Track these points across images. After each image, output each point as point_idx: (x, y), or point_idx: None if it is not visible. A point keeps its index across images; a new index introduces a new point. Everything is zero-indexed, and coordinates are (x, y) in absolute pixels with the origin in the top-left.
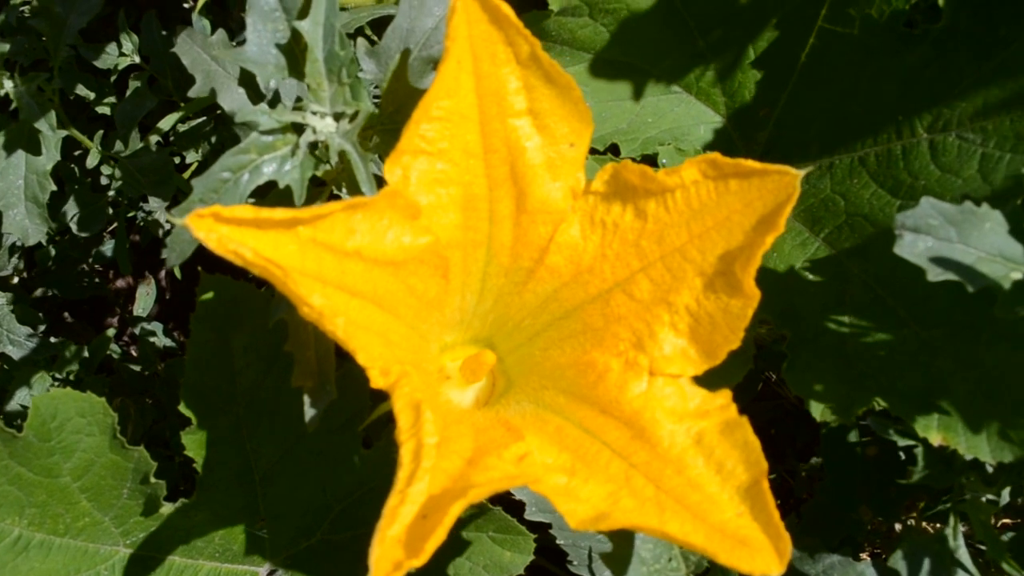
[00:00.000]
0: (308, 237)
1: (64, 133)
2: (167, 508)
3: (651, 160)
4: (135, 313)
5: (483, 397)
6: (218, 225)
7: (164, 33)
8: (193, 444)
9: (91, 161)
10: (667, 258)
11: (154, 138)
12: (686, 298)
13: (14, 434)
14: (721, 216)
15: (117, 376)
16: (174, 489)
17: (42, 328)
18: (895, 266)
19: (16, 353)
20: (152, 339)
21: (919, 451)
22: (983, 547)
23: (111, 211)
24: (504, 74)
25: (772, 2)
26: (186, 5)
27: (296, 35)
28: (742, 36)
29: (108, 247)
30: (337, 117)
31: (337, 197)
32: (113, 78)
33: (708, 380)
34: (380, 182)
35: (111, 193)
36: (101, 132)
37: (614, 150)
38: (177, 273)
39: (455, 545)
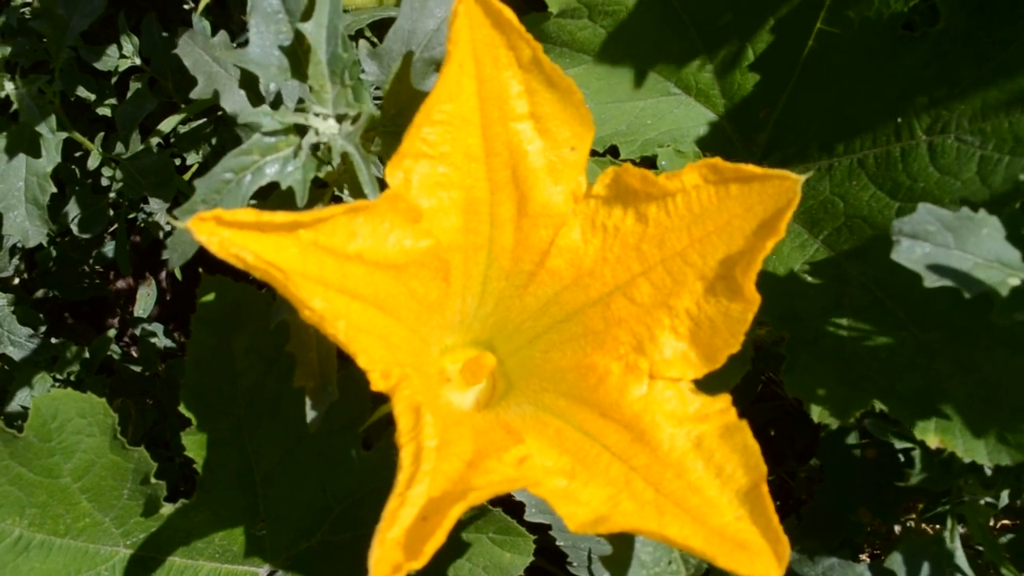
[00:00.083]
0: (310, 240)
1: (64, 135)
2: (167, 509)
3: (651, 161)
4: (136, 314)
5: (483, 399)
6: (220, 228)
7: (165, 35)
8: (193, 445)
9: (92, 163)
10: (668, 262)
11: (155, 140)
12: (687, 302)
13: (15, 434)
14: (722, 220)
15: (118, 377)
16: (174, 490)
17: (43, 329)
18: (894, 268)
19: (17, 354)
20: (153, 340)
21: (917, 454)
22: (982, 549)
23: (112, 212)
24: (506, 78)
25: (771, 4)
26: (186, 7)
27: (299, 37)
28: (741, 37)
29: (109, 248)
30: (340, 119)
31: (339, 199)
32: (114, 80)
33: (707, 382)
34: (382, 184)
35: (112, 195)
36: (102, 134)
37: (613, 152)
38: (178, 274)
39: (455, 546)
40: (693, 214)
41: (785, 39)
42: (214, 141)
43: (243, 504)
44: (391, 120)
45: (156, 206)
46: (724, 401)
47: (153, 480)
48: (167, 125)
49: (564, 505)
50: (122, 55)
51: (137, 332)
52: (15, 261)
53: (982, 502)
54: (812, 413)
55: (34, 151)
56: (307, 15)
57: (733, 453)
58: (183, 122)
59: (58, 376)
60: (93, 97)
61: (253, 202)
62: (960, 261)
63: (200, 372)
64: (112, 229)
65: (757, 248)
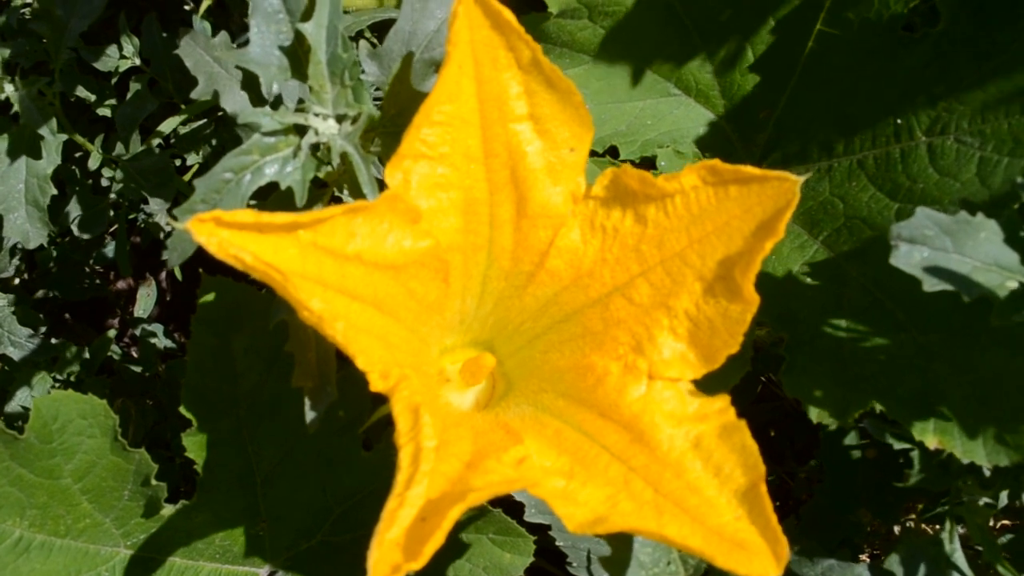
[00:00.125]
0: (309, 241)
1: (64, 137)
2: (168, 509)
3: (650, 162)
4: (136, 314)
5: (483, 400)
6: (219, 229)
7: (165, 35)
8: (194, 446)
9: (92, 164)
10: (667, 263)
11: (155, 141)
12: (685, 302)
13: (15, 436)
14: (721, 221)
15: (118, 377)
16: (175, 490)
17: (43, 329)
18: (893, 270)
19: (17, 354)
20: (153, 340)
21: (915, 454)
22: (981, 550)
23: (112, 213)
24: (505, 79)
25: (771, 5)
26: (187, 7)
27: (299, 37)
28: (741, 38)
29: (109, 249)
30: (339, 119)
31: (339, 199)
32: (114, 80)
33: (706, 382)
34: (382, 184)
35: (112, 195)
36: (102, 135)
37: (613, 152)
38: (178, 274)
39: (455, 547)
40: (692, 215)
41: (785, 40)
42: (214, 142)
43: (243, 505)
44: (391, 120)
45: (156, 207)
46: (723, 401)
47: (154, 481)
48: (168, 126)
49: (563, 505)
50: (122, 56)
51: (137, 332)
52: (15, 261)
53: (981, 503)
54: (811, 414)
55: (34, 153)
56: (307, 15)
57: (732, 453)
58: (184, 123)
59: (58, 376)
60: (93, 98)
61: (253, 202)
62: (958, 265)
63: (201, 373)
64: (112, 229)
65: (756, 249)
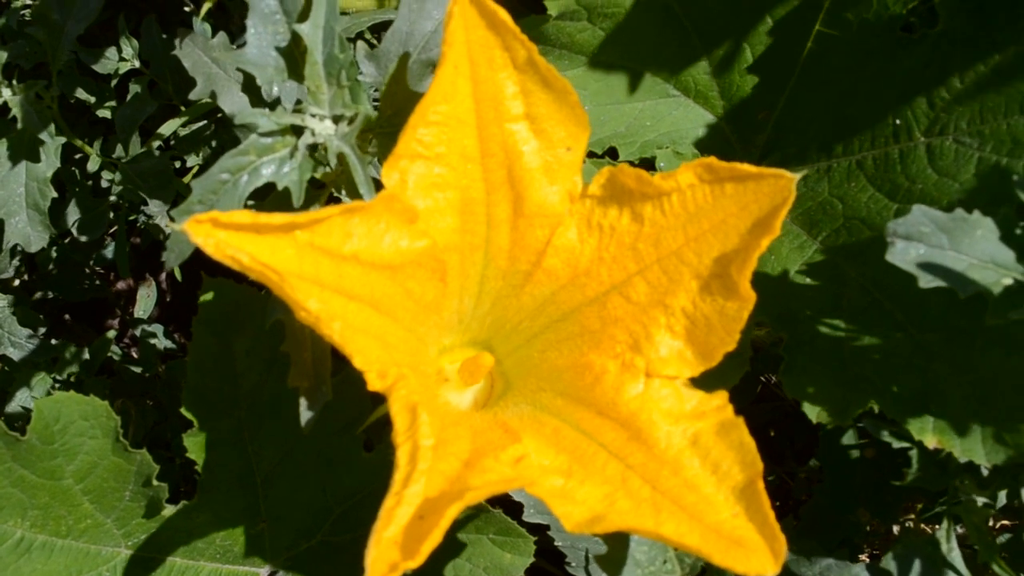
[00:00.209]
0: (305, 241)
1: (63, 140)
2: (169, 510)
3: (649, 163)
4: (136, 315)
5: (482, 399)
6: (216, 230)
7: (164, 37)
8: (195, 446)
9: (91, 166)
10: (663, 261)
11: (156, 143)
12: (682, 300)
13: (17, 437)
14: (717, 219)
15: (118, 378)
16: (175, 491)
17: (43, 330)
18: (892, 270)
19: (17, 355)
20: (153, 341)
21: (914, 453)
22: (978, 550)
23: (112, 215)
24: (501, 79)
25: (769, 5)
26: (186, 8)
27: (296, 38)
28: (739, 39)
29: (109, 250)
30: (336, 120)
31: (337, 199)
32: (114, 82)
33: (705, 382)
34: (379, 185)
35: (112, 197)
36: (102, 137)
37: (612, 153)
38: (178, 275)
39: (455, 547)
40: (688, 213)
41: (784, 41)
42: (215, 143)
43: (244, 505)
44: (388, 121)
45: (156, 208)
46: (720, 398)
47: (155, 482)
48: (168, 128)
49: (561, 504)
50: (122, 58)
51: (137, 333)
52: (15, 262)
53: (979, 502)
54: (810, 413)
55: (34, 157)
56: (304, 16)
57: (729, 450)
58: (184, 124)
59: (58, 377)
60: (93, 100)
61: (250, 203)
62: (954, 262)
63: (201, 373)
64: (113, 230)
65: (752, 246)
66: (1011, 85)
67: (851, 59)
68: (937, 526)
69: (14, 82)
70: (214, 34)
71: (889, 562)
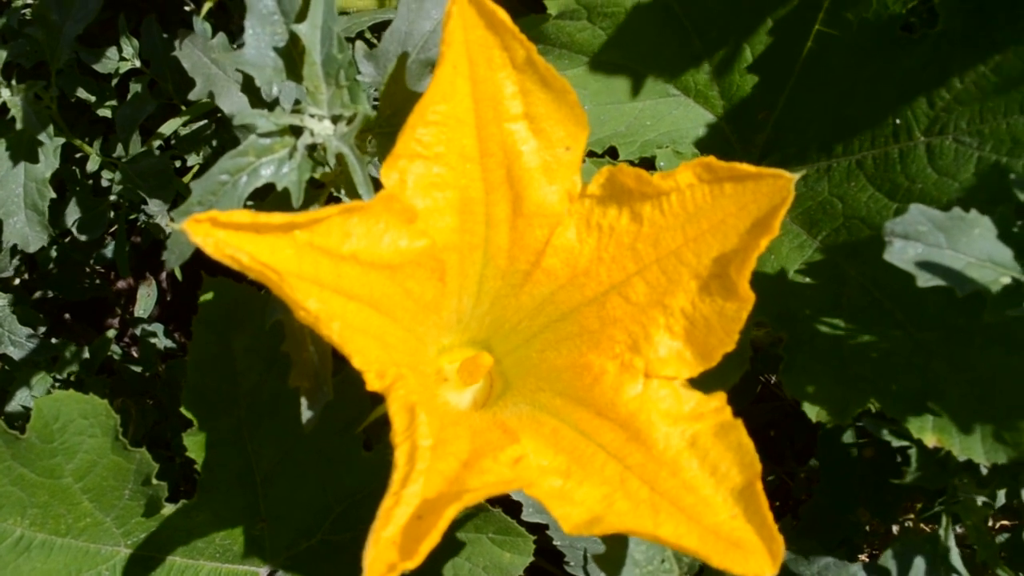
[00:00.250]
0: (305, 241)
1: (62, 140)
2: (168, 509)
3: (649, 163)
4: (136, 314)
5: (480, 399)
6: (215, 230)
7: (164, 37)
8: (194, 445)
9: (91, 166)
10: (662, 261)
11: (156, 142)
12: (681, 301)
13: (17, 435)
14: (716, 219)
15: (118, 377)
16: (175, 490)
17: (43, 329)
18: (891, 269)
19: (17, 354)
20: (153, 340)
21: (913, 452)
22: (977, 549)
23: (112, 214)
24: (500, 78)
25: (769, 5)
26: (187, 8)
27: (294, 38)
28: (739, 39)
29: (110, 249)
30: (335, 120)
31: (336, 199)
32: (114, 82)
33: (704, 382)
34: (378, 184)
35: (112, 196)
36: (102, 137)
37: (612, 153)
38: (178, 275)
39: (455, 546)
40: (687, 213)
41: (783, 40)
42: (215, 143)
43: (243, 504)
44: (387, 121)
45: (156, 207)
46: (719, 400)
47: (154, 481)
48: (168, 128)
49: (559, 506)
50: (122, 57)
51: (137, 332)
52: (15, 261)
53: (979, 501)
54: (810, 413)
55: (32, 157)
56: (302, 17)
57: (728, 452)
58: (184, 124)
59: (58, 376)
60: (94, 99)
61: (250, 203)
62: (952, 260)
63: (201, 372)
64: (113, 229)
65: (751, 246)
66: (1011, 84)
67: (851, 59)
68: (936, 526)
69: (13, 82)
70: (214, 34)
71: (888, 560)
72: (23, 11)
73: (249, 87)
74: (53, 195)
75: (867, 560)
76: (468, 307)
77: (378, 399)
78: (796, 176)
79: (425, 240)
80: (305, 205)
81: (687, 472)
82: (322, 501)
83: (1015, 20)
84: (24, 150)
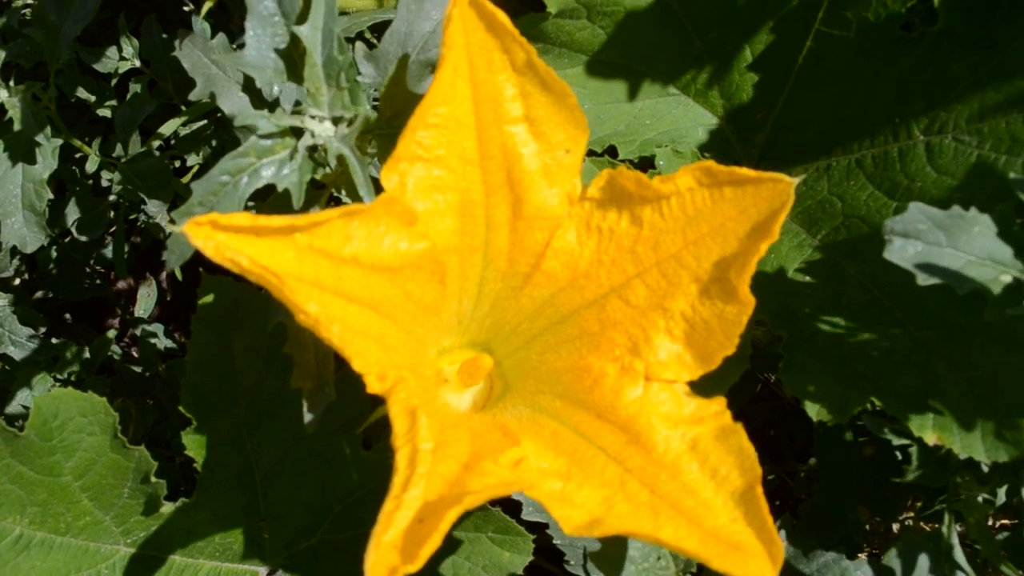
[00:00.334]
0: (305, 244)
1: (60, 141)
2: (168, 508)
3: (649, 162)
4: (136, 314)
5: (480, 401)
6: (215, 233)
7: (164, 36)
8: (194, 444)
9: (90, 167)
10: (663, 264)
11: (155, 142)
12: (681, 304)
13: (16, 433)
14: (716, 223)
15: (118, 377)
16: (175, 489)
17: (43, 329)
18: (891, 267)
19: (17, 354)
20: (153, 340)
21: (914, 450)
22: (980, 547)
23: (112, 214)
24: (500, 81)
25: (769, 5)
26: (186, 8)
27: (295, 40)
28: (739, 38)
29: (109, 249)
30: (335, 121)
31: (336, 200)
32: (114, 82)
33: (704, 382)
34: (378, 186)
35: (112, 196)
36: (101, 137)
37: (612, 152)
38: (178, 275)
39: (454, 545)
40: (687, 216)
41: (783, 40)
42: (214, 143)
43: (243, 503)
44: (387, 122)
45: (156, 207)
46: (719, 404)
47: (153, 479)
48: (168, 128)
49: (559, 508)
50: (122, 57)
51: (137, 332)
52: (15, 262)
53: (979, 499)
54: (810, 411)
55: (30, 158)
56: (302, 18)
57: (728, 455)
58: (184, 124)
59: (58, 376)
60: (93, 99)
61: (251, 204)
62: (952, 259)
63: (200, 372)
64: (113, 229)
65: (751, 250)
66: (1010, 83)
67: (850, 58)
68: (937, 524)
69: (11, 83)
70: (214, 34)
71: (892, 559)
72: (23, 11)
73: (250, 88)
74: (51, 196)
75: (865, 558)
76: (468, 309)
77: (378, 399)
78: (796, 180)
79: (425, 242)
80: (306, 206)
81: (687, 475)
82: (321, 500)
83: (1015, 19)
84: (22, 151)
